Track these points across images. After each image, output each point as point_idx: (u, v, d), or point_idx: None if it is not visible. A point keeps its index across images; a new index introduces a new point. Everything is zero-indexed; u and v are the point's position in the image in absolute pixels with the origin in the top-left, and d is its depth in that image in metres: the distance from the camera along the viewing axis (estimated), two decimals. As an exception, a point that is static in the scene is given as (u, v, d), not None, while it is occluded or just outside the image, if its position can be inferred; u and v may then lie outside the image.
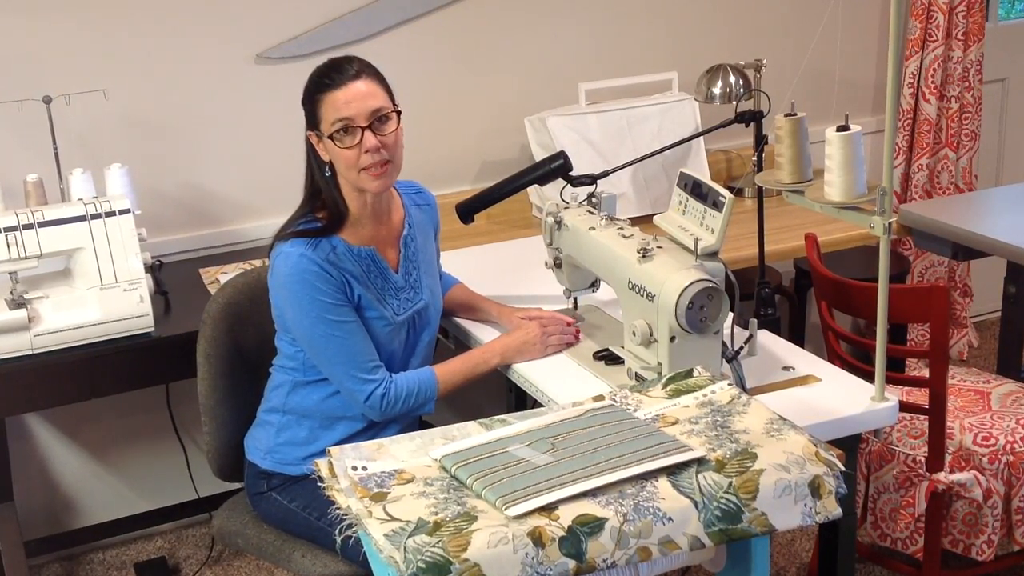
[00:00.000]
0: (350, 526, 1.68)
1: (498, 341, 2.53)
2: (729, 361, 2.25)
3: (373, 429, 2.46)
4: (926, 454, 2.71)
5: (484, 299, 2.73)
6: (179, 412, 3.37)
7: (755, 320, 2.41)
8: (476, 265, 3.04)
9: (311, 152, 2.41)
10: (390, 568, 1.57)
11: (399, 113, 2.37)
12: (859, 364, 2.65)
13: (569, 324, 2.54)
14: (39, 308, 2.72)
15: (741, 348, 2.32)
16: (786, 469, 1.73)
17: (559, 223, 2.52)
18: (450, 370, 2.46)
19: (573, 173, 2.64)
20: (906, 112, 4.11)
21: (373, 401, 2.38)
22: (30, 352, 2.70)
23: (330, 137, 2.32)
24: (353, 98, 2.30)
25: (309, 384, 2.46)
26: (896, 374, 2.69)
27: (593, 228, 2.42)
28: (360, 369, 2.37)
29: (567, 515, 1.61)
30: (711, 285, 2.13)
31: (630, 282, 2.26)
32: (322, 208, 2.41)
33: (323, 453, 2.34)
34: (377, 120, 2.32)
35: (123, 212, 2.77)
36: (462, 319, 2.74)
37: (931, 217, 3.26)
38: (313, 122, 2.36)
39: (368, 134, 2.31)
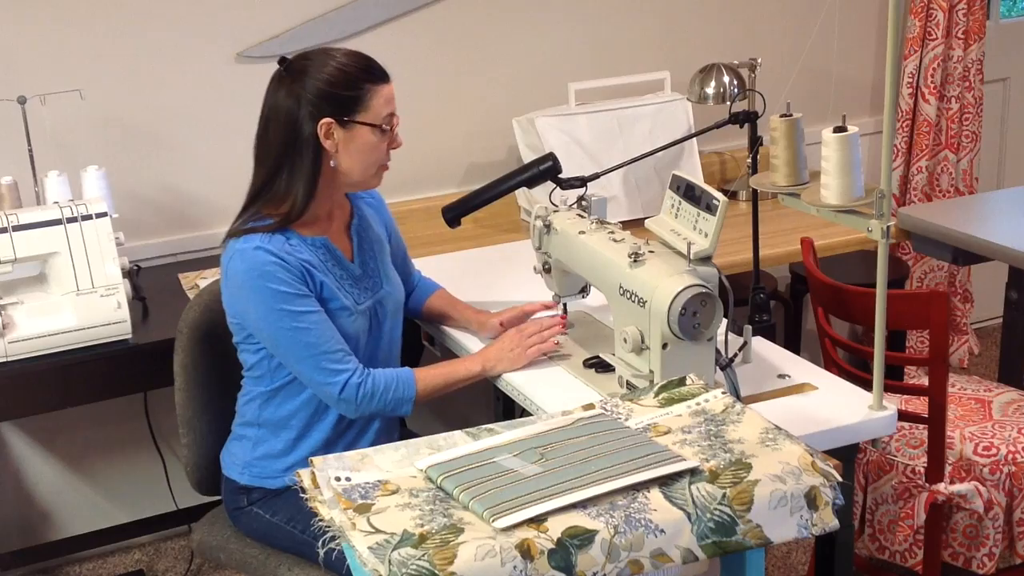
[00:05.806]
0: (333, 538, 1.66)
1: (479, 352, 2.51)
2: (723, 369, 2.23)
3: (352, 433, 2.43)
4: (925, 464, 2.70)
5: (463, 306, 2.70)
6: (157, 421, 3.35)
7: (750, 327, 2.46)
8: (463, 270, 3.04)
9: (313, 142, 2.31)
10: (373, 582, 1.54)
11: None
12: (857, 372, 2.65)
13: (551, 327, 2.51)
14: (13, 314, 2.69)
15: (735, 355, 2.32)
16: (781, 480, 1.71)
17: (548, 227, 2.51)
18: (429, 373, 2.43)
19: (562, 175, 2.63)
20: (905, 113, 4.12)
21: (348, 392, 2.33)
22: (3, 360, 2.67)
23: (380, 128, 2.33)
24: (392, 94, 2.37)
25: (280, 393, 2.42)
26: (895, 382, 2.71)
27: (583, 232, 2.41)
28: (330, 359, 2.32)
29: (556, 527, 1.59)
30: (704, 291, 2.11)
31: (621, 287, 2.24)
32: (271, 205, 2.36)
33: (302, 463, 2.32)
34: None
35: (100, 215, 2.75)
36: (446, 326, 2.71)
37: (930, 221, 3.27)
38: (346, 110, 2.30)
39: (397, 131, 2.39)
